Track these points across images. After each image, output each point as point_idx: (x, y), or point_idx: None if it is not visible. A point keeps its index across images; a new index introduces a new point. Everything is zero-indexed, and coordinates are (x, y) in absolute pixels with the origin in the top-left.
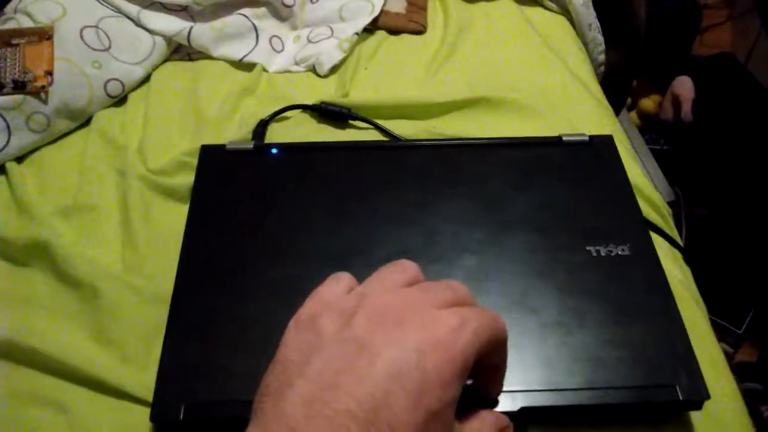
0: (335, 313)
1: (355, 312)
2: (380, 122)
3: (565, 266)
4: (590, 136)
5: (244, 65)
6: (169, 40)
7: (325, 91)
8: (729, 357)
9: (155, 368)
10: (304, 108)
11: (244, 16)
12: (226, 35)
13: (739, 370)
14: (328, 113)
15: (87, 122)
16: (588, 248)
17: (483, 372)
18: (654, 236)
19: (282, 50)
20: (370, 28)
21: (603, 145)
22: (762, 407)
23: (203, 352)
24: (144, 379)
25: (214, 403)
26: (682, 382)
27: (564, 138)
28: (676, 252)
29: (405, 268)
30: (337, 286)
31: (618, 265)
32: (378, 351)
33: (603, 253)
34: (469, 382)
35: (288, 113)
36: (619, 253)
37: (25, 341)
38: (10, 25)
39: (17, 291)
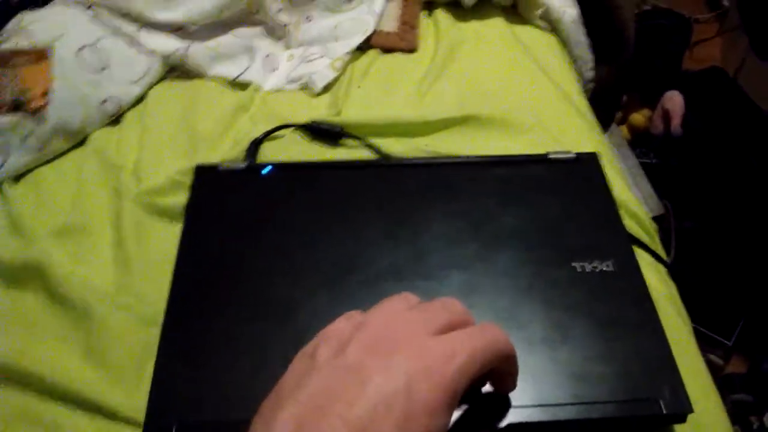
0: (332, 342)
1: (350, 340)
2: (372, 141)
3: (551, 282)
4: (576, 154)
5: (238, 84)
6: (165, 59)
7: (318, 110)
8: (719, 369)
9: (147, 389)
10: (296, 127)
11: (239, 36)
12: (221, 55)
13: (729, 382)
14: (320, 132)
15: (83, 141)
16: (573, 264)
17: (495, 375)
18: (639, 252)
19: (276, 69)
20: (363, 47)
21: (589, 162)
22: (752, 418)
23: (195, 373)
24: (136, 400)
25: (205, 423)
26: (666, 395)
27: (550, 155)
28: (661, 267)
29: (404, 300)
30: (344, 323)
31: (603, 281)
32: (368, 376)
33: (588, 269)
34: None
35: (281, 132)
36: (604, 269)
37: (17, 362)
38: (8, 46)
39: (10, 312)
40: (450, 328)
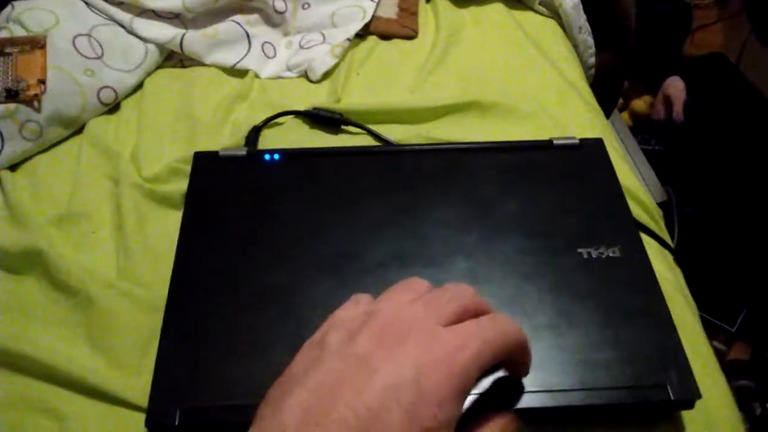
0: (342, 331)
1: (360, 329)
2: (372, 127)
3: (557, 269)
4: (580, 139)
5: (236, 71)
6: (161, 47)
7: (318, 97)
8: (722, 355)
9: (149, 374)
10: (297, 114)
11: (236, 22)
12: (219, 42)
13: (732, 368)
14: (320, 119)
15: (80, 130)
16: (579, 250)
17: (509, 362)
18: (644, 237)
19: (274, 56)
20: (362, 34)
21: (593, 148)
22: (754, 404)
23: (198, 358)
24: (138, 385)
25: (209, 408)
26: (673, 381)
27: (554, 141)
28: (667, 253)
29: (414, 286)
30: (354, 309)
31: (609, 267)
32: (377, 366)
33: (594, 255)
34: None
35: (281, 119)
36: (610, 254)
37: (19, 348)
38: (3, 35)
39: (11, 299)
40: (462, 317)
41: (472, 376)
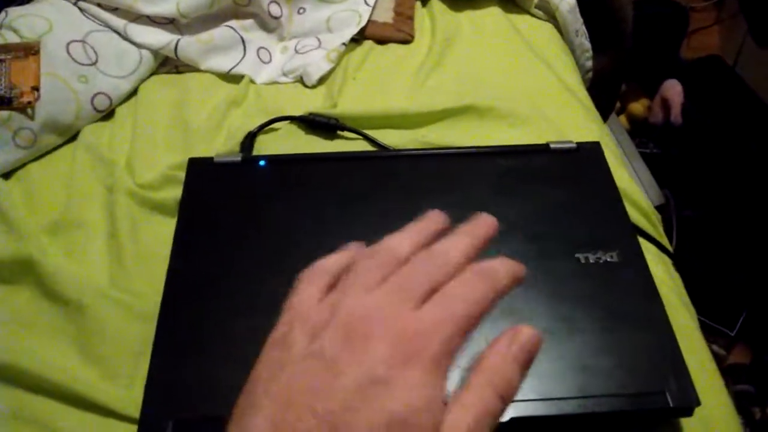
0: (306, 327)
1: (326, 325)
2: (368, 132)
3: (555, 274)
4: (578, 143)
5: (231, 77)
6: (156, 53)
7: (313, 102)
8: (722, 359)
9: (142, 385)
10: (292, 120)
11: (231, 28)
12: (214, 47)
13: (731, 372)
14: (316, 124)
15: (74, 137)
16: (577, 255)
17: None
18: (643, 242)
19: (269, 61)
20: (358, 38)
21: (590, 151)
22: (754, 409)
23: (191, 368)
24: (131, 396)
25: (202, 420)
26: (673, 388)
27: (551, 145)
28: (665, 258)
29: (381, 263)
30: (310, 290)
31: (607, 272)
32: (342, 368)
33: (592, 260)
34: None
35: (276, 125)
36: (608, 260)
37: (10, 359)
38: None
39: (2, 308)
40: (434, 290)
41: (446, 359)
